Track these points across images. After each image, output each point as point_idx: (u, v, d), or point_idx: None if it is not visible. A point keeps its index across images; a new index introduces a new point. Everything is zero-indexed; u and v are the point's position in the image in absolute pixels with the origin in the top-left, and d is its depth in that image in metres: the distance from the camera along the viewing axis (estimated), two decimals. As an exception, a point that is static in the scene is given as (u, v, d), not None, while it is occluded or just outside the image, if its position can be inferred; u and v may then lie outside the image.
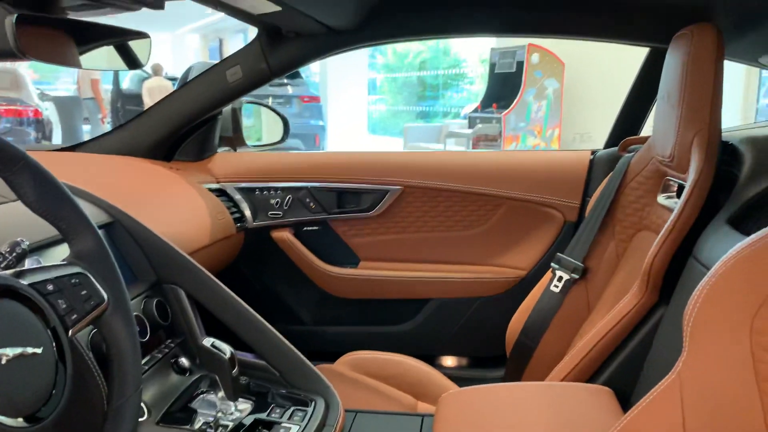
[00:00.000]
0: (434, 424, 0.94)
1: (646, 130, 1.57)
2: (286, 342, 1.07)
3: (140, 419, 0.89)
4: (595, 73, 6.70)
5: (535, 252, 1.69)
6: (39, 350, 0.59)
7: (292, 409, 0.98)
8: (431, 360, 1.68)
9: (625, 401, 1.07)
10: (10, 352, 0.56)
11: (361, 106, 12.23)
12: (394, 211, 1.73)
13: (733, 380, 0.65)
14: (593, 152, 1.67)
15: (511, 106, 7.13)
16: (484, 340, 1.73)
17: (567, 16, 1.46)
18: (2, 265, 0.69)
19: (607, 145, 1.69)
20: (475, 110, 7.87)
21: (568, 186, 1.65)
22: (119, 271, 0.75)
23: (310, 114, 9.66)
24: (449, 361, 1.81)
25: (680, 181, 1.22)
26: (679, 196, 1.23)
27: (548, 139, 7.39)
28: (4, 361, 0.55)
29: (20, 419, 0.55)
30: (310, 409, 0.97)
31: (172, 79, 9.07)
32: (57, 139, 8.34)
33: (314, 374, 1.05)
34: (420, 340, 1.76)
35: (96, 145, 1.63)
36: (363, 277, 1.75)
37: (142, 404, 0.91)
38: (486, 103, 7.70)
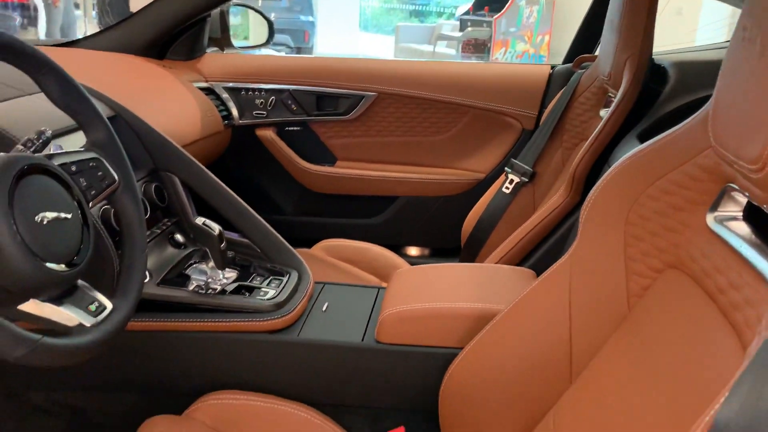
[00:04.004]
0: (385, 292, 1.15)
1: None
2: (267, 225, 1.25)
3: (144, 281, 1.08)
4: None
5: (494, 157, 1.87)
6: (69, 215, 0.77)
7: (270, 278, 1.18)
8: (396, 249, 1.89)
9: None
10: (49, 215, 0.74)
11: (353, 1, 11.91)
12: (369, 115, 1.89)
13: (609, 259, 0.85)
14: (553, 67, 1.82)
15: (503, 10, 7.08)
16: (443, 234, 1.94)
17: None
18: (31, 150, 0.85)
19: (566, 61, 1.84)
20: (467, 12, 7.79)
21: (528, 97, 1.80)
22: (127, 158, 0.92)
23: (300, 9, 9.47)
24: (412, 251, 2.02)
25: None
26: (616, 111, 1.39)
27: (538, 46, 7.37)
28: (45, 222, 0.73)
29: (62, 265, 0.74)
30: (285, 278, 1.17)
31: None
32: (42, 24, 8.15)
33: (290, 252, 1.24)
34: (387, 232, 1.96)
35: (93, 41, 1.74)
36: (339, 175, 1.93)
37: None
38: (478, 6, 7.62)
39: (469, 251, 1.71)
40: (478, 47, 7.77)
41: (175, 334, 1.06)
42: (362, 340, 1.05)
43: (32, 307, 0.73)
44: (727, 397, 0.43)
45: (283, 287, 1.13)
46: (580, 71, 1.61)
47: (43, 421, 1.13)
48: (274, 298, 1.10)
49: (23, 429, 1.13)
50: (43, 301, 0.74)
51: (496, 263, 1.37)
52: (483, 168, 1.88)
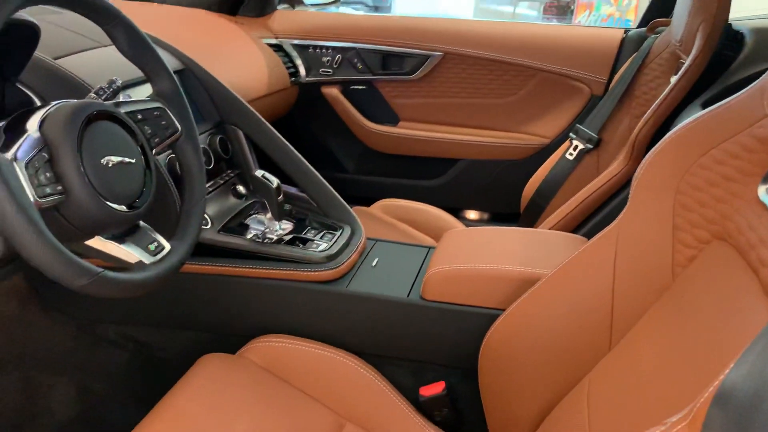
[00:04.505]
0: (434, 252, 1.16)
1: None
2: (324, 181, 1.29)
3: (206, 227, 1.14)
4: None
5: (560, 122, 1.83)
6: (133, 160, 0.82)
7: (323, 231, 1.21)
8: (455, 212, 1.90)
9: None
10: (114, 159, 0.79)
11: (435, -40, 11.66)
12: (434, 75, 1.88)
13: (656, 228, 0.83)
14: (626, 31, 1.75)
15: (589, -30, 6.77)
16: (503, 198, 1.93)
17: None
18: (103, 98, 0.91)
19: (640, 25, 1.76)
20: (551, -28, 7.50)
21: (599, 61, 1.74)
22: (190, 109, 0.97)
23: (379, -33, 9.36)
24: (471, 214, 2.03)
25: None
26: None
27: (624, 9, 7.03)
28: (110, 165, 0.78)
29: (123, 206, 0.79)
30: (338, 233, 1.21)
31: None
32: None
33: (345, 208, 1.28)
34: (447, 194, 1.97)
35: None
36: (401, 135, 1.94)
37: (207, 217, 1.16)
38: (563, -34, 7.31)
39: (528, 217, 1.69)
40: (561, 9, 7.49)
41: (232, 278, 1.12)
42: (407, 296, 1.07)
43: (97, 243, 0.80)
44: (736, 362, 0.43)
45: (336, 241, 1.17)
46: (653, 36, 1.54)
47: (111, 351, 1.22)
48: (325, 250, 1.14)
49: (93, 358, 1.23)
50: (107, 238, 0.80)
51: (551, 229, 1.36)
52: (548, 133, 1.85)
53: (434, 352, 1.09)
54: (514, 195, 1.78)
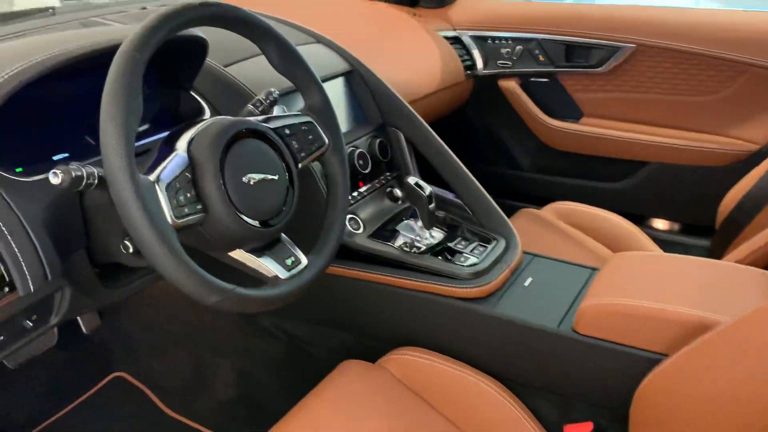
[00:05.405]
0: (596, 277, 1.05)
1: None
2: (482, 188, 1.23)
3: (357, 232, 1.15)
4: None
5: (774, 126, 1.56)
6: (276, 177, 0.84)
7: (475, 243, 1.16)
8: (639, 220, 1.72)
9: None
10: (256, 176, 0.81)
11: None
12: (624, 69, 1.70)
13: None
14: None
15: None
16: (697, 209, 1.70)
17: None
18: (259, 110, 0.94)
19: None
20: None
21: None
22: (338, 123, 0.96)
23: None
24: (658, 224, 1.82)
25: None
26: None
27: None
28: (252, 183, 0.80)
29: (257, 222, 0.81)
30: (490, 246, 1.15)
31: None
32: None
33: (502, 218, 1.21)
34: (631, 200, 1.79)
35: None
36: (583, 133, 1.79)
37: (360, 221, 1.17)
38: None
39: (724, 235, 1.47)
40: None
41: (377, 285, 1.12)
42: (558, 326, 0.99)
43: (239, 254, 0.83)
44: None
45: (486, 256, 1.11)
46: None
47: (268, 341, 1.30)
48: (474, 265, 1.08)
49: (253, 345, 1.32)
50: (247, 251, 0.83)
51: (742, 260, 1.16)
52: (757, 138, 1.58)
53: (583, 389, 1.00)
54: (710, 207, 1.56)
